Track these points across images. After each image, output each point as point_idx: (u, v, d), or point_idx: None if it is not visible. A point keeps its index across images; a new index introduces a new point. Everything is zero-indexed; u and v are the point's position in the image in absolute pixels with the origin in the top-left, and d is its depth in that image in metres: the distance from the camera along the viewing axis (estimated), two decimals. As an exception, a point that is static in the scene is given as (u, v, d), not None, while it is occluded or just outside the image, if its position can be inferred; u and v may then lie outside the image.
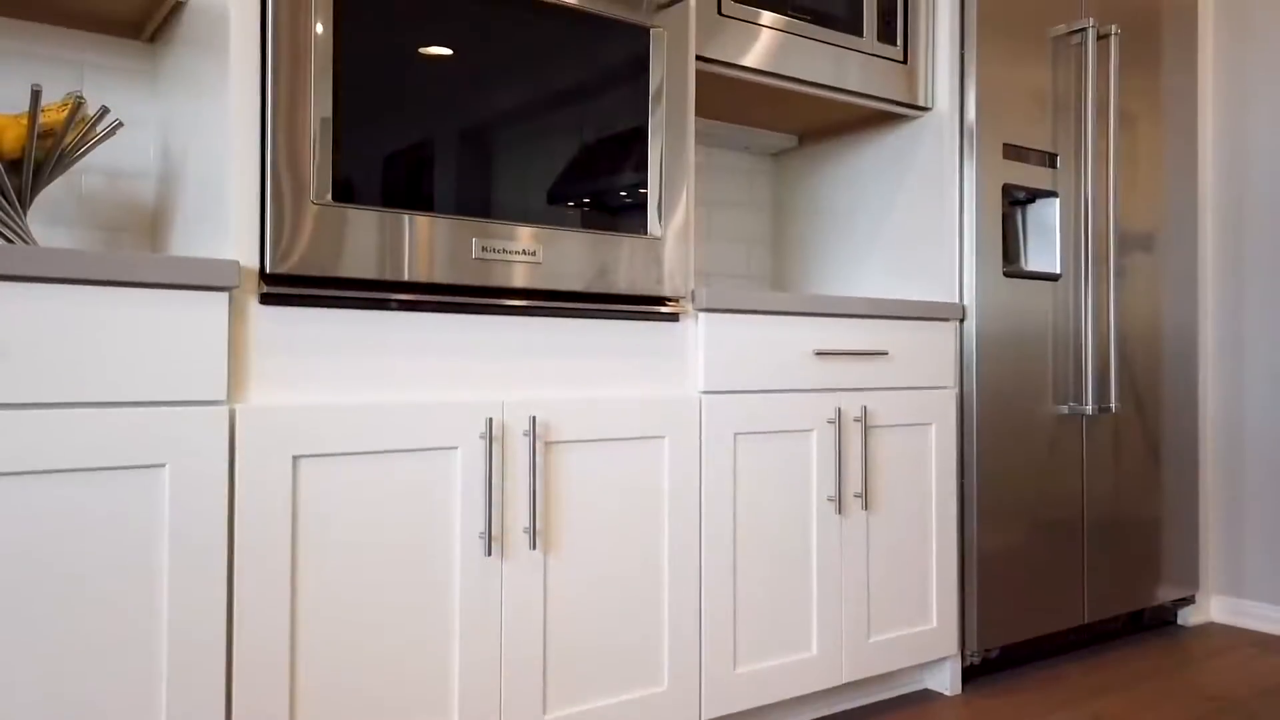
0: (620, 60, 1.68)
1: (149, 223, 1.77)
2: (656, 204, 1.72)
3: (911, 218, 2.34)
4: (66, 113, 1.43)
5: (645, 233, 1.71)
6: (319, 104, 1.37)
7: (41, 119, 1.42)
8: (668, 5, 1.71)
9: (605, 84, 1.66)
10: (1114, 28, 2.46)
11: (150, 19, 1.67)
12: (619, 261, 1.67)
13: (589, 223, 1.64)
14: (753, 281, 2.67)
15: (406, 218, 1.45)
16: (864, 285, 2.45)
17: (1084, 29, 2.43)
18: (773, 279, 2.70)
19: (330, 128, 1.38)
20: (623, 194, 1.69)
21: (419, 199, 1.46)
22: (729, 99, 2.22)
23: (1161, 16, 2.67)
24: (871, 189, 2.44)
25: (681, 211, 1.75)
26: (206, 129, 1.45)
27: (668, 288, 1.74)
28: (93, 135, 1.49)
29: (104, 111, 1.47)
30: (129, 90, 1.75)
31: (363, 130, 1.41)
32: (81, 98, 1.45)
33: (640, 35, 1.70)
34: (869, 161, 2.45)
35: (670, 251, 1.74)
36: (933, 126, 2.29)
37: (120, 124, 1.51)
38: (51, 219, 1.68)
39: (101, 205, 1.73)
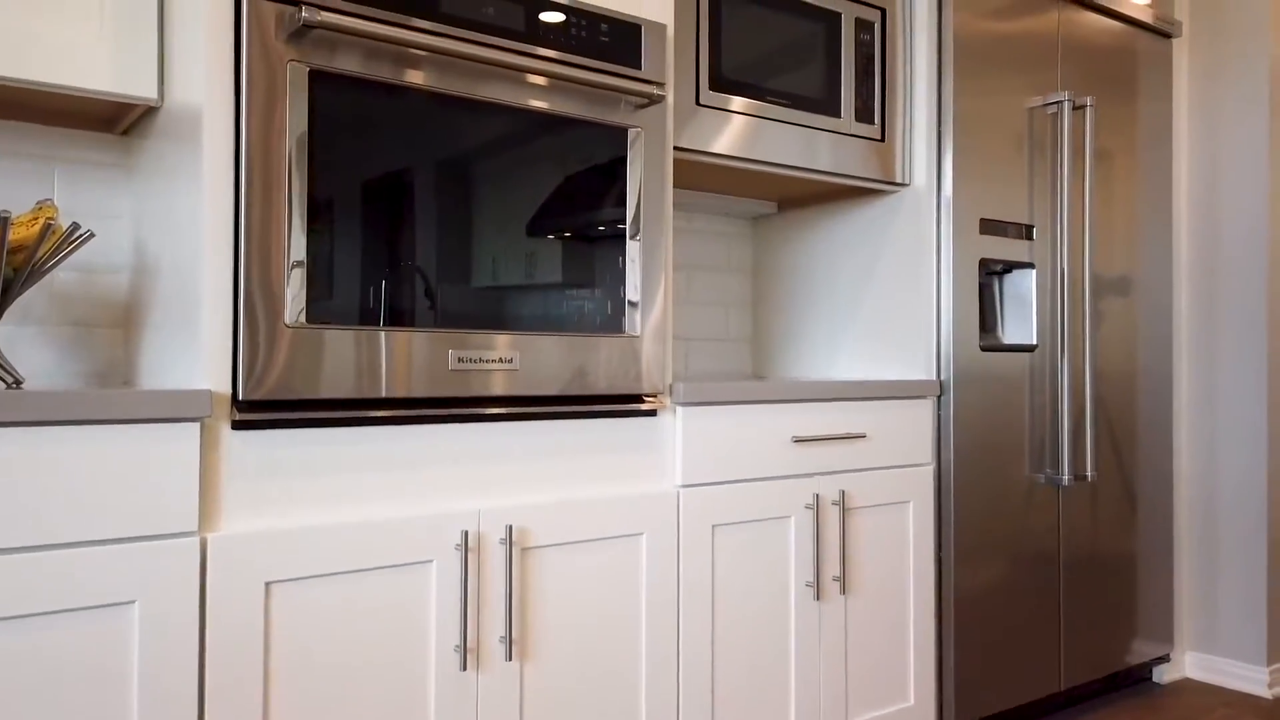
0: (598, 161, 1.68)
1: (122, 317, 1.76)
2: (635, 302, 1.72)
3: (890, 289, 2.35)
4: (38, 229, 1.41)
5: (623, 331, 1.71)
6: (293, 224, 1.37)
7: (11, 235, 1.41)
8: (646, 105, 1.72)
9: (583, 185, 1.66)
10: (1089, 99, 2.49)
11: (124, 117, 1.66)
12: (597, 362, 1.67)
13: (566, 325, 1.64)
14: (732, 344, 2.68)
15: (383, 334, 1.44)
16: (843, 355, 2.46)
17: (1060, 101, 2.45)
18: (752, 341, 2.71)
19: (305, 247, 1.37)
20: (600, 294, 1.69)
21: (396, 314, 1.45)
22: (708, 174, 2.23)
23: (1137, 75, 2.70)
24: (851, 258, 2.45)
25: (659, 307, 1.75)
26: (180, 233, 1.44)
27: (646, 384, 1.74)
28: (66, 246, 1.47)
29: (75, 227, 1.46)
30: (102, 184, 1.74)
31: (338, 247, 1.40)
32: (53, 213, 1.44)
33: (618, 136, 1.70)
34: (848, 230, 2.46)
35: (648, 348, 1.74)
36: (910, 200, 2.31)
37: (92, 235, 1.50)
38: (23, 319, 1.66)
39: (74, 302, 1.71)
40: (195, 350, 1.35)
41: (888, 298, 2.36)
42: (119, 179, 1.75)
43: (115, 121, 1.69)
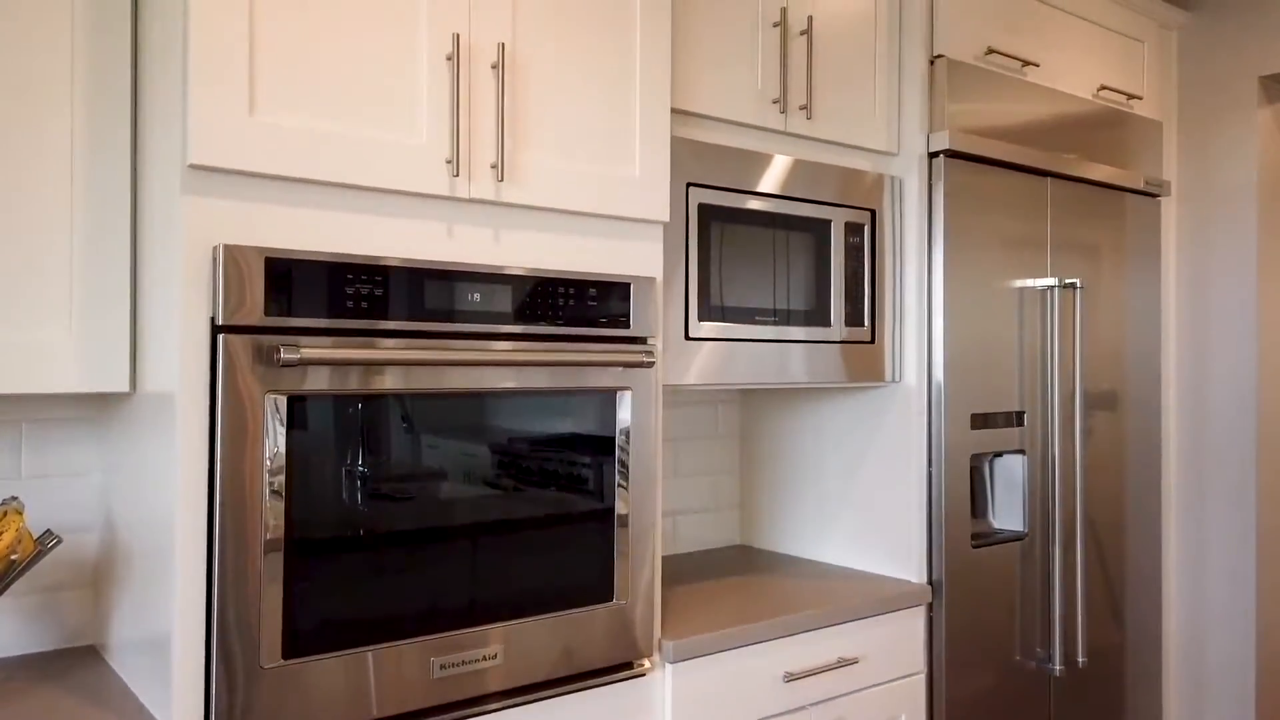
0: (584, 430, 1.63)
1: (90, 577, 1.69)
2: (622, 574, 1.67)
3: (881, 482, 2.32)
4: (4, 545, 1.36)
5: (611, 600, 1.67)
6: (269, 556, 1.31)
7: (-26, 555, 1.35)
8: (635, 366, 1.67)
9: (572, 460, 1.62)
10: (1078, 281, 2.47)
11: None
12: (585, 637, 1.62)
13: (552, 605, 1.59)
14: (720, 514, 2.63)
15: (371, 654, 1.39)
16: (833, 541, 2.41)
17: (1051, 286, 2.44)
18: (741, 508, 2.67)
19: (282, 580, 1.32)
20: (586, 571, 1.64)
21: (372, 633, 1.40)
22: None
23: (1125, 234, 2.68)
24: (842, 442, 2.41)
25: (648, 571, 1.71)
26: (151, 521, 1.38)
27: (638, 648, 1.69)
28: (36, 558, 1.42)
29: (47, 537, 1.40)
30: (72, 441, 1.67)
31: (317, 573, 1.35)
32: (20, 520, 1.38)
33: (607, 400, 1.66)
34: (839, 413, 2.42)
35: (639, 613, 1.69)
36: (901, 395, 2.27)
37: (59, 541, 1.44)
38: (-14, 597, 1.60)
39: (41, 570, 1.65)
40: (166, 693, 1.29)
41: (878, 491, 2.32)
42: (89, 433, 1.69)
43: (85, 384, 1.64)
